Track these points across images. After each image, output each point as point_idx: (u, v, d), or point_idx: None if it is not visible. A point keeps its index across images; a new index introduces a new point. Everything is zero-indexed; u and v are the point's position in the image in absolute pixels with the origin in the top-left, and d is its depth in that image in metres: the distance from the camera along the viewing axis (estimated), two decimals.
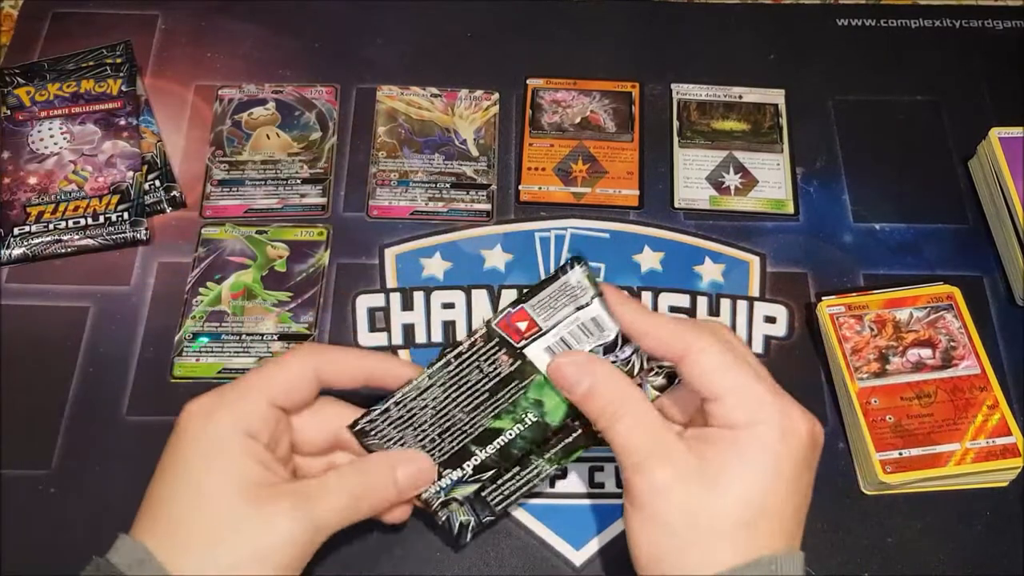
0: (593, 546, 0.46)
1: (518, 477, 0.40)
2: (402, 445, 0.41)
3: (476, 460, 0.40)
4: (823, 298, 0.51)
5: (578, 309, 0.39)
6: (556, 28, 0.65)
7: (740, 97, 0.61)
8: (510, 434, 0.40)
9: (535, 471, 0.40)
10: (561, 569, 0.46)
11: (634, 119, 0.60)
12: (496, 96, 0.61)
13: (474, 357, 0.40)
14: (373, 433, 0.41)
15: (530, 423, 0.40)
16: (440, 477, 0.40)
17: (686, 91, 0.62)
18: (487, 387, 0.40)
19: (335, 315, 0.53)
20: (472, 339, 0.40)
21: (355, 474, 0.39)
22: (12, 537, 0.46)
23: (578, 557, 0.46)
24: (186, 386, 0.51)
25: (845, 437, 0.50)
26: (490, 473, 0.40)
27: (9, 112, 0.59)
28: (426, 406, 0.40)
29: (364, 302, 0.54)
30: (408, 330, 0.53)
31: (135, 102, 0.60)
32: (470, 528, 0.41)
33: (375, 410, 0.41)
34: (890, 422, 0.47)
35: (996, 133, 0.55)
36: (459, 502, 0.41)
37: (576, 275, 0.39)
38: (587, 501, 0.47)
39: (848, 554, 0.46)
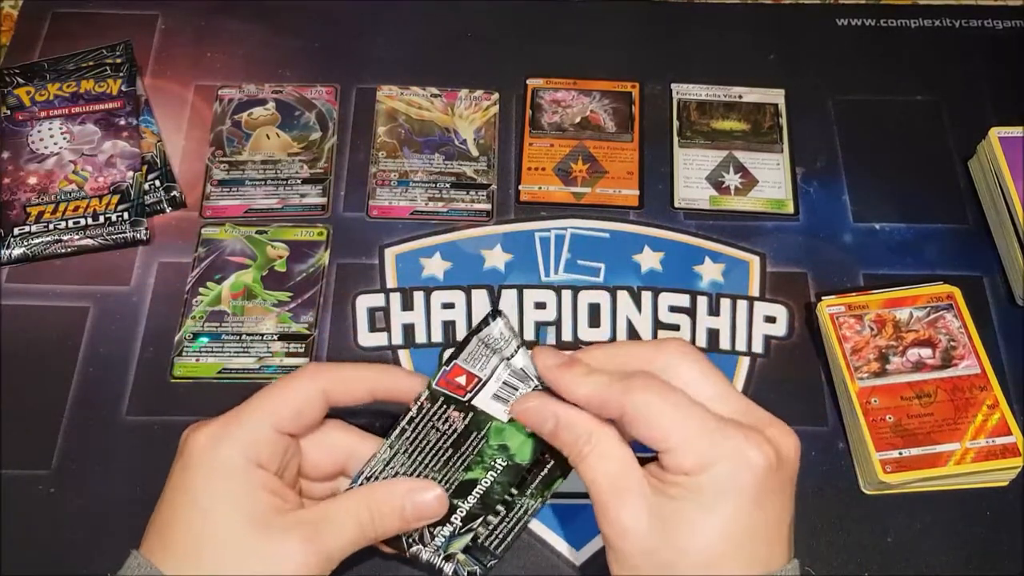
0: (593, 546, 0.46)
1: (508, 519, 0.40)
2: None
3: (462, 512, 0.40)
4: (823, 298, 0.51)
5: (506, 359, 0.40)
6: (556, 28, 0.65)
7: (740, 97, 0.61)
8: (486, 482, 0.40)
9: (522, 509, 0.40)
10: (561, 569, 0.46)
11: (634, 119, 0.60)
12: (496, 96, 0.61)
13: (426, 419, 0.40)
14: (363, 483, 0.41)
15: (502, 467, 0.40)
16: (433, 537, 0.41)
17: (686, 91, 0.62)
18: (448, 444, 0.40)
19: (335, 315, 0.53)
20: (419, 403, 0.41)
21: (364, 501, 0.38)
22: (12, 537, 0.46)
23: (578, 557, 0.46)
24: (186, 386, 0.51)
25: (845, 437, 0.50)
26: (479, 520, 0.40)
27: (9, 112, 0.59)
28: (396, 474, 0.40)
29: (364, 302, 0.54)
30: (408, 330, 0.53)
31: (135, 102, 0.60)
32: (479, 575, 0.41)
33: (349, 489, 0.41)
34: (890, 422, 0.47)
35: (996, 133, 0.55)
36: (460, 554, 0.41)
37: (498, 327, 0.40)
38: (587, 501, 0.47)
39: (848, 554, 0.46)
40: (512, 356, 0.40)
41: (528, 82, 0.62)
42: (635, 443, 0.36)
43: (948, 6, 0.66)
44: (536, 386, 0.40)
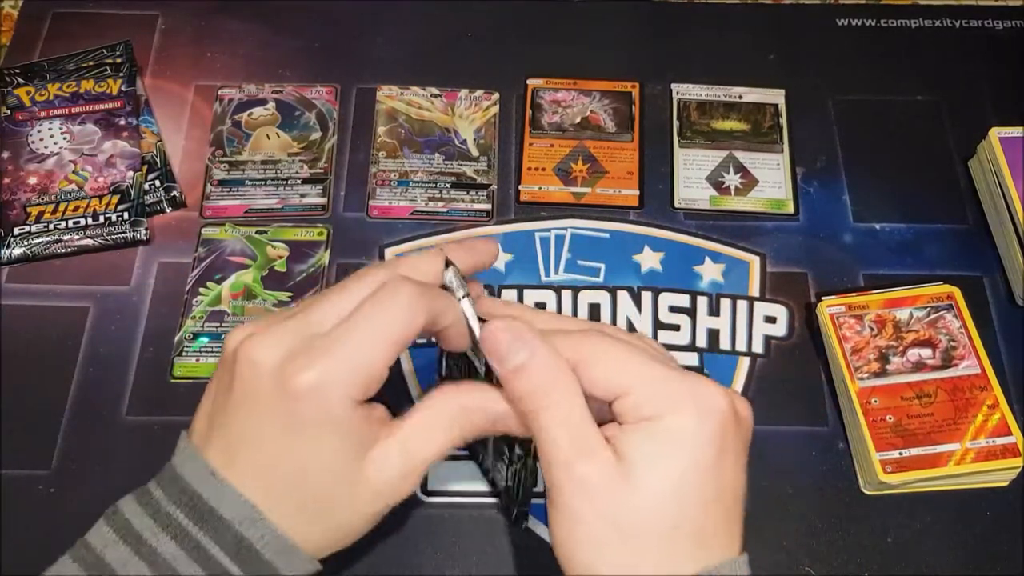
0: None
1: (517, 468, 0.40)
2: None
3: (487, 451, 0.41)
4: (823, 298, 0.51)
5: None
6: (556, 28, 0.65)
7: (740, 97, 0.61)
8: None
9: (521, 462, 0.40)
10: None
11: (634, 119, 0.60)
12: (496, 96, 0.61)
13: (449, 359, 0.42)
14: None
15: None
16: (489, 462, 0.42)
17: (686, 91, 0.62)
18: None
19: None
20: (442, 361, 0.42)
21: (450, 406, 0.36)
22: (12, 537, 0.46)
23: None
24: (186, 386, 0.51)
25: (845, 437, 0.50)
26: (499, 466, 0.41)
27: (9, 112, 0.59)
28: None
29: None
30: None
31: (135, 102, 0.60)
32: (518, 515, 0.42)
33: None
34: (890, 422, 0.47)
35: (996, 133, 0.55)
36: (503, 489, 0.42)
37: (449, 275, 0.38)
38: None
39: (848, 554, 0.46)
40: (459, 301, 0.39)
41: (528, 82, 0.62)
42: None
43: (948, 6, 0.66)
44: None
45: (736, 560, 0.32)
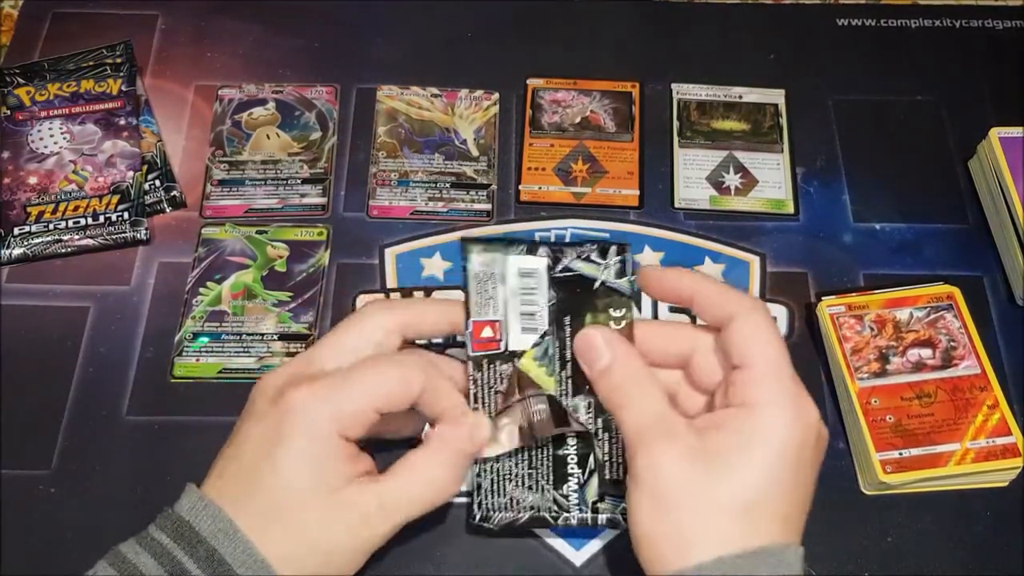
0: (593, 546, 0.46)
1: (612, 441, 0.40)
2: (513, 502, 0.41)
3: (573, 459, 0.40)
4: (823, 298, 0.51)
5: (503, 283, 0.39)
6: (556, 28, 0.65)
7: (740, 97, 0.61)
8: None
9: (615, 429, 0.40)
10: (561, 569, 0.46)
11: (634, 119, 0.60)
12: (496, 96, 0.61)
13: (485, 389, 0.40)
14: (489, 514, 0.41)
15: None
16: (567, 499, 0.41)
17: (686, 91, 0.62)
18: None
19: (335, 315, 0.53)
20: (471, 378, 0.40)
21: (426, 475, 0.38)
22: (12, 537, 0.46)
23: (578, 557, 0.46)
24: (186, 386, 0.51)
25: (845, 437, 0.50)
26: (591, 458, 0.40)
27: (9, 112, 0.59)
28: (500, 460, 0.40)
29: (364, 302, 0.54)
30: None
31: (135, 102, 0.60)
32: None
33: (473, 503, 0.41)
34: (890, 422, 0.47)
35: (996, 133, 0.55)
36: (601, 502, 0.41)
37: (476, 264, 0.39)
38: None
39: (848, 554, 0.46)
40: (503, 273, 0.39)
41: (528, 82, 0.62)
42: None
43: (948, 6, 0.66)
44: (552, 299, 0.39)
45: (797, 550, 0.34)
